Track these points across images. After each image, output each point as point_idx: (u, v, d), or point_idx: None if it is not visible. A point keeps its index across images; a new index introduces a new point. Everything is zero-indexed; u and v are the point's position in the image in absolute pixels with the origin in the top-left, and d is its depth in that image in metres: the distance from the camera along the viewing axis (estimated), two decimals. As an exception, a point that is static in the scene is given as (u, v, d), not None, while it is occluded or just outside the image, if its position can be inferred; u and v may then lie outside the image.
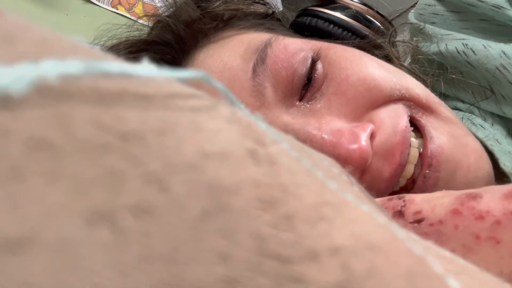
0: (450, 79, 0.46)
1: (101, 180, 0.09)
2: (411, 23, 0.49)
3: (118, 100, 0.11)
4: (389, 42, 0.45)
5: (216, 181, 0.10)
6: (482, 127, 0.44)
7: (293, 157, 0.12)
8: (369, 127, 0.34)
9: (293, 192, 0.11)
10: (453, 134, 0.37)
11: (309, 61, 0.36)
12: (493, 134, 0.43)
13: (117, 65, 0.11)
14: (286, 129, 0.34)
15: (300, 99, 0.37)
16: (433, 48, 0.47)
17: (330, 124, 0.34)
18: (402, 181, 0.36)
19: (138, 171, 0.10)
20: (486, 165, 0.38)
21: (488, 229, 0.23)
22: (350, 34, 0.45)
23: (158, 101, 0.11)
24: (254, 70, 0.35)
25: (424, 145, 0.36)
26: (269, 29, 0.44)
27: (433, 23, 0.47)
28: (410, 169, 0.35)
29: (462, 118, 0.45)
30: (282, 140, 0.13)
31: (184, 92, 0.12)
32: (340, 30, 0.45)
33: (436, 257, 0.14)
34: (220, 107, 0.13)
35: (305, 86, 0.36)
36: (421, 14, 0.48)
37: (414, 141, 0.36)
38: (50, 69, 0.10)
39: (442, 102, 0.40)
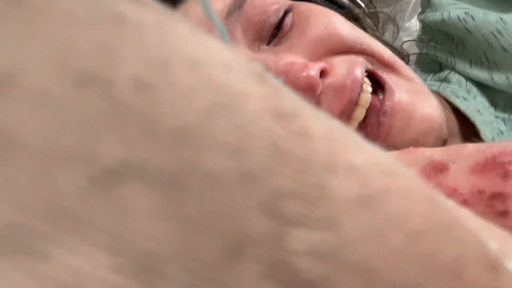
0: (452, 47, 0.49)
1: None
2: None
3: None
4: (363, 13, 0.48)
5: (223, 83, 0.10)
6: (464, 99, 0.46)
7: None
8: (322, 63, 0.36)
9: (307, 114, 0.11)
10: (412, 90, 0.39)
11: (282, 12, 0.38)
12: (475, 105, 0.45)
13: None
14: None
15: (267, 45, 0.39)
16: (437, 16, 0.49)
17: (286, 58, 0.36)
18: (354, 124, 0.37)
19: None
20: (438, 118, 0.39)
21: (454, 209, 0.21)
22: (329, 3, 0.48)
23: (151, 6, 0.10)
24: (229, 12, 0.37)
25: (384, 94, 0.38)
26: None
27: None
28: (361, 112, 0.37)
29: (448, 91, 0.47)
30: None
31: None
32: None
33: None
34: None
35: (274, 35, 0.38)
36: None
37: (369, 88, 0.38)
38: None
39: (405, 64, 0.41)
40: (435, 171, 0.21)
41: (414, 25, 0.65)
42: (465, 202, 0.21)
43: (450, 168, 0.21)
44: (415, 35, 0.61)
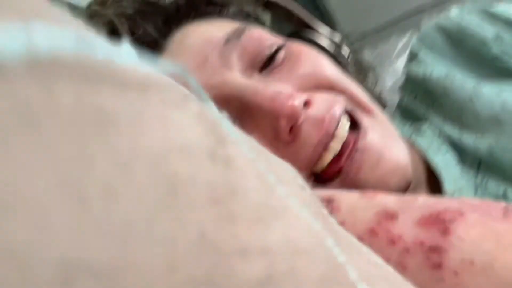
0: (430, 102, 0.53)
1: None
2: (411, 47, 0.58)
3: (99, 81, 0.11)
4: (347, 60, 0.52)
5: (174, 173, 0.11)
6: (435, 152, 0.49)
7: (250, 159, 0.13)
8: (306, 96, 0.40)
9: (241, 193, 0.12)
10: (385, 134, 0.42)
11: (275, 46, 0.43)
12: (444, 160, 0.49)
13: (103, 46, 0.11)
14: (240, 87, 0.40)
15: (259, 73, 0.43)
16: (421, 71, 0.55)
17: (275, 87, 0.40)
18: (330, 155, 0.40)
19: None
20: (405, 161, 0.42)
21: (397, 255, 0.24)
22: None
23: (133, 89, 0.12)
24: (227, 40, 0.42)
25: (358, 133, 0.41)
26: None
27: (431, 48, 0.56)
28: (337, 145, 0.40)
29: (421, 142, 0.51)
30: (243, 141, 0.14)
31: (158, 83, 0.13)
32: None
33: (363, 263, 0.16)
34: (191, 103, 0.13)
35: (266, 65, 0.43)
36: (422, 38, 0.57)
37: (346, 123, 0.41)
38: (42, 39, 0.10)
39: (382, 110, 0.45)
40: (386, 218, 0.25)
41: (400, 67, 0.70)
42: (406, 250, 0.24)
43: (399, 217, 0.24)
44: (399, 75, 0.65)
